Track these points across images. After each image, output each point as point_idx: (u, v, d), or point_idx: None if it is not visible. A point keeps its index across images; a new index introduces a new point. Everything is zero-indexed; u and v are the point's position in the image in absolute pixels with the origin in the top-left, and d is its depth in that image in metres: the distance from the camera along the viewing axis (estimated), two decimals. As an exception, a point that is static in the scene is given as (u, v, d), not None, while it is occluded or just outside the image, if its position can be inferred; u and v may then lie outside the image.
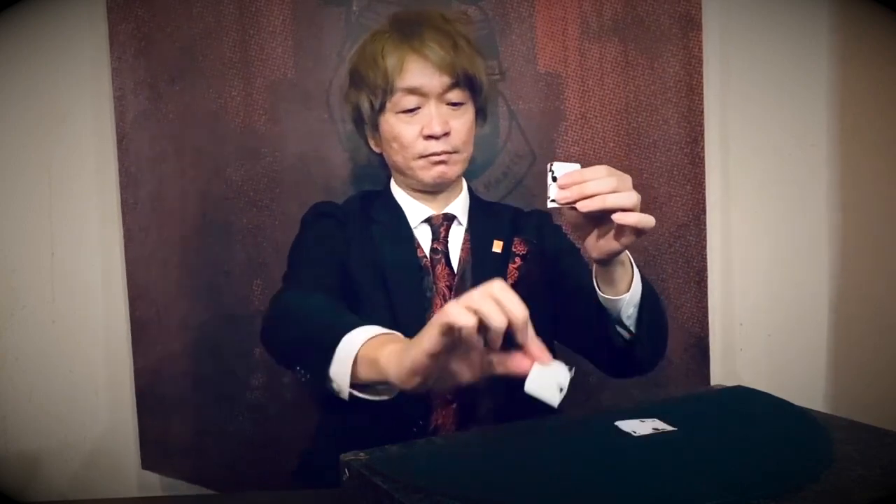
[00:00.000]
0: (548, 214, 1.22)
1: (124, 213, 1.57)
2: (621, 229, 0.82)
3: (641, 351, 0.95)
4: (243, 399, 1.56)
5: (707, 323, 1.57)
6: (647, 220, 0.81)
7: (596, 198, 0.79)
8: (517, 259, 1.12)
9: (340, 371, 0.78)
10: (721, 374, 1.62)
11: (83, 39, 1.59)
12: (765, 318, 1.65)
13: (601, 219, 0.83)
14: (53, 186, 1.62)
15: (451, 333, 0.67)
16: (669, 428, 0.75)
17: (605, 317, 0.94)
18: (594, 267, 0.92)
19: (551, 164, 0.82)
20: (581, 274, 1.04)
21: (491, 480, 0.65)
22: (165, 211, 1.56)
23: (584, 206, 0.79)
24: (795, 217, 1.64)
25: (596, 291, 0.93)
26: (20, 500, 1.60)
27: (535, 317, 1.10)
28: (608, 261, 0.88)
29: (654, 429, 0.75)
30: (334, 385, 0.81)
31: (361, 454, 0.72)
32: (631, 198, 0.80)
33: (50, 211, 1.63)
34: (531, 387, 0.69)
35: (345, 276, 1.05)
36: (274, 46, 1.53)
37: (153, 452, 1.60)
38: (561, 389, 0.69)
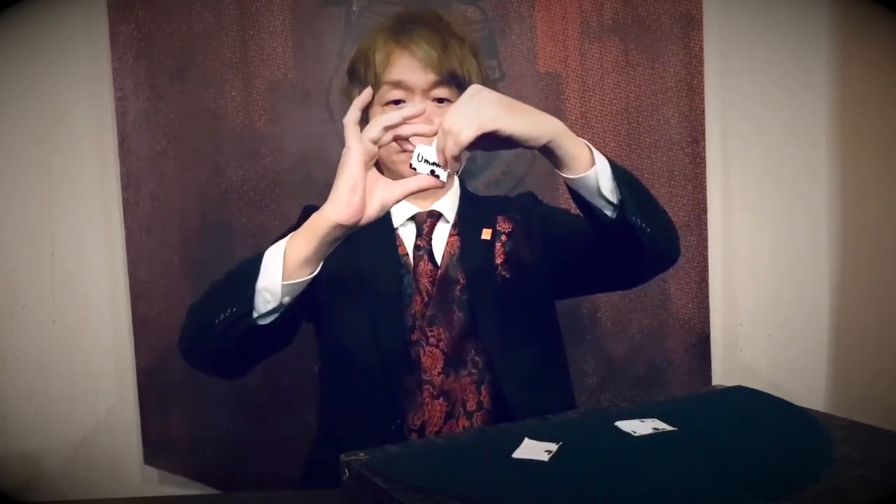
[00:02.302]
0: (532, 194, 1.23)
1: (126, 213, 1.57)
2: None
3: (635, 220, 0.90)
4: (243, 397, 1.56)
5: (709, 323, 1.57)
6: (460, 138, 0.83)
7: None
8: (503, 237, 1.13)
9: (271, 272, 0.89)
10: (721, 374, 1.62)
11: (84, 40, 1.59)
12: (765, 319, 1.65)
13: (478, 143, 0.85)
14: (53, 186, 1.63)
15: (360, 138, 0.86)
16: (669, 428, 0.75)
17: (586, 204, 0.92)
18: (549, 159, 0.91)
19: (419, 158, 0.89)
20: (576, 222, 1.04)
21: (491, 480, 0.65)
22: (166, 210, 1.56)
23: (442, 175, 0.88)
24: (796, 217, 1.64)
25: (567, 181, 0.91)
26: (20, 500, 1.60)
27: (527, 284, 1.10)
28: (536, 147, 0.87)
29: (654, 429, 0.75)
30: (265, 296, 0.89)
31: (361, 454, 0.72)
32: (444, 135, 0.85)
33: (50, 211, 1.63)
34: None
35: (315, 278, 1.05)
36: (274, 47, 1.53)
37: (155, 448, 1.61)
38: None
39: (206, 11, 1.53)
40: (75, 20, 1.59)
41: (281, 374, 1.54)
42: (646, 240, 0.92)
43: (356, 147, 0.87)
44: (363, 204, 0.87)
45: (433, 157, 0.88)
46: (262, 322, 0.92)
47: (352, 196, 0.86)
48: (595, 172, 0.88)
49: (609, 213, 0.91)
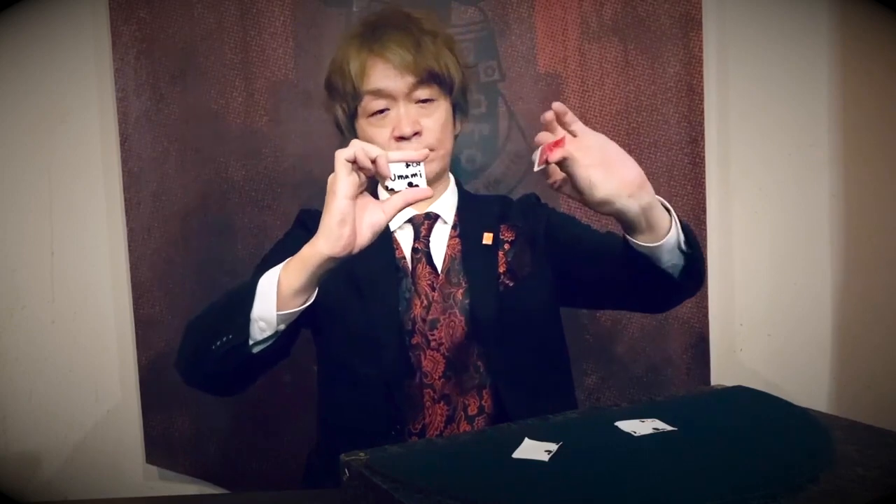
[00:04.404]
0: (535, 196, 1.22)
1: (127, 213, 1.57)
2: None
3: (696, 264, 0.91)
4: (245, 396, 1.55)
5: (707, 323, 1.57)
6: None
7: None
8: (506, 245, 1.11)
9: (265, 301, 0.89)
10: (721, 374, 1.62)
11: (85, 40, 1.60)
12: (765, 318, 1.65)
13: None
14: (53, 186, 1.63)
15: (353, 171, 0.85)
16: (669, 428, 0.75)
17: (649, 264, 0.90)
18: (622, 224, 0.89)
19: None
20: (588, 235, 1.04)
21: (491, 480, 0.65)
22: (168, 210, 1.57)
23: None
24: (796, 217, 1.64)
25: (643, 246, 0.88)
26: (20, 500, 1.60)
27: (530, 294, 1.09)
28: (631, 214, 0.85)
29: (654, 429, 0.75)
30: (261, 325, 0.89)
31: (361, 454, 0.72)
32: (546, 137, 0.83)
33: (50, 211, 1.63)
34: None
35: None
36: (275, 48, 1.53)
37: (157, 447, 1.61)
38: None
39: (208, 12, 1.53)
40: (77, 20, 1.59)
41: (282, 373, 1.54)
42: (696, 277, 0.93)
43: (345, 179, 0.85)
44: (354, 235, 0.87)
45: (404, 171, 0.87)
46: (258, 349, 0.92)
47: (341, 230, 0.85)
48: (671, 238, 0.87)
49: (675, 271, 0.90)
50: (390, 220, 0.89)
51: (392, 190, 0.87)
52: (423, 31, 1.07)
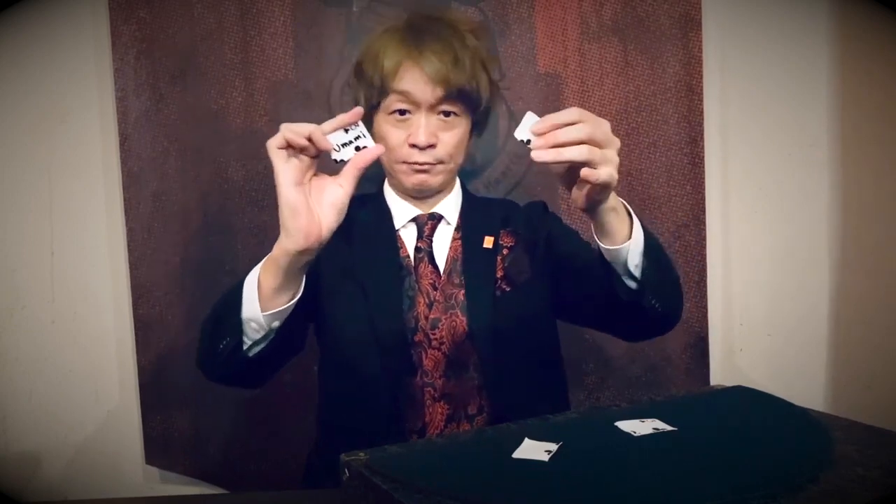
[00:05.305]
0: (542, 204, 1.21)
1: (127, 213, 1.57)
2: (583, 181, 0.79)
3: (650, 301, 0.91)
4: (245, 395, 1.57)
5: (707, 323, 1.57)
6: (605, 177, 0.77)
7: (552, 150, 0.76)
8: (504, 251, 1.11)
9: (250, 303, 0.88)
10: (721, 374, 1.63)
11: (86, 40, 1.59)
12: (765, 318, 1.65)
13: (575, 167, 0.79)
14: (53, 186, 1.63)
15: (291, 157, 0.82)
16: (669, 428, 0.75)
17: (610, 271, 0.91)
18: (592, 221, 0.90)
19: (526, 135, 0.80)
20: (584, 252, 1.04)
21: (491, 480, 0.66)
22: (168, 210, 1.57)
23: (539, 157, 0.76)
24: (795, 217, 1.64)
25: (599, 246, 0.90)
26: (20, 500, 1.60)
27: (527, 301, 1.09)
28: (594, 209, 0.85)
29: (654, 429, 0.75)
30: (253, 325, 0.89)
31: (361, 454, 0.72)
32: (592, 153, 0.76)
33: (50, 211, 1.63)
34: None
35: (310, 279, 1.03)
36: (275, 48, 1.53)
37: (156, 448, 1.61)
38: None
39: (208, 12, 1.53)
40: (77, 20, 1.59)
41: (283, 373, 1.53)
42: (655, 316, 0.93)
43: (283, 168, 0.83)
44: (313, 222, 0.84)
45: (345, 137, 0.84)
46: (257, 349, 0.92)
47: (296, 221, 0.83)
48: (626, 247, 0.88)
49: (629, 287, 0.91)
50: (350, 192, 0.86)
51: (343, 161, 0.84)
52: (465, 47, 1.05)
